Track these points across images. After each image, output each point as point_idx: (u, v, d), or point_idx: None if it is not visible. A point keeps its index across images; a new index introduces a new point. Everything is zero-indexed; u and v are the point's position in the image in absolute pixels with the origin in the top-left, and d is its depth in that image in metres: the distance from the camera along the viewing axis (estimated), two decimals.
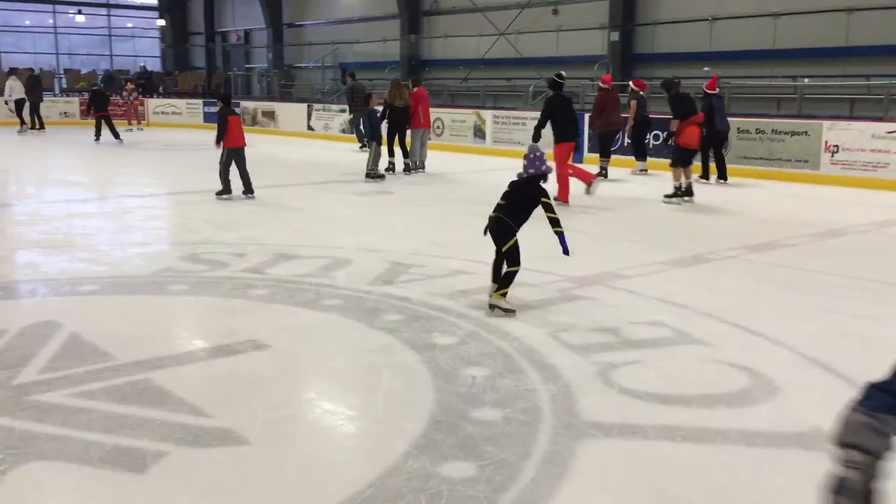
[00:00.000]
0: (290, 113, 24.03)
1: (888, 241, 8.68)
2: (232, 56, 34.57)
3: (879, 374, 4.48)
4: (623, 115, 14.17)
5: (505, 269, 5.51)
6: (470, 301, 5.76)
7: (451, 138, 18.94)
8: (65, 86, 30.46)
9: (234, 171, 10.76)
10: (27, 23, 34.55)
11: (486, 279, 6.37)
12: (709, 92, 12.66)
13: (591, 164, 14.42)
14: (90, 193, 11.52)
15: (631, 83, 14.58)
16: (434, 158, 15.32)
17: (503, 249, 5.53)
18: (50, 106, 26.81)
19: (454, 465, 3.29)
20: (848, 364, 4.54)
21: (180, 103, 28.00)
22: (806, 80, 16.65)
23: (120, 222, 9.28)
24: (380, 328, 5.14)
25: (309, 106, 23.58)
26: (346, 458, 3.49)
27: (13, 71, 23.69)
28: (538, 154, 5.73)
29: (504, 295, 5.45)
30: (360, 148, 17.85)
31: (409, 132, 14.24)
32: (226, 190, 10.79)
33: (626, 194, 11.90)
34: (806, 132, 13.45)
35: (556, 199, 9.01)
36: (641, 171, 14.44)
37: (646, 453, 3.47)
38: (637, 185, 13.20)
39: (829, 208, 10.72)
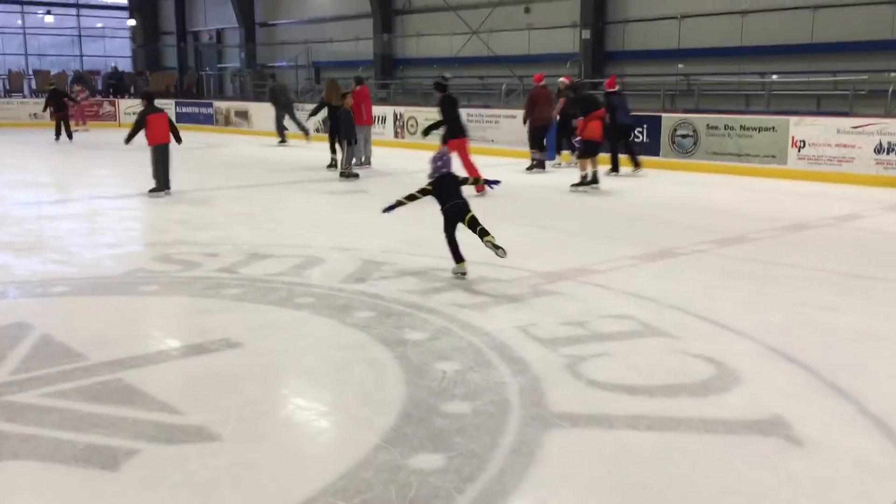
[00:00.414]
0: (264, 113, 23.92)
1: (852, 235, 8.87)
2: (204, 56, 34.36)
3: (839, 361, 4.62)
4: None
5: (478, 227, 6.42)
6: (441, 297, 5.83)
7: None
8: (34, 87, 30.11)
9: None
10: None
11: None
12: (609, 90, 13.71)
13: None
14: (60, 195, 11.45)
15: (562, 79, 15.03)
16: (407, 157, 15.37)
17: (468, 218, 6.49)
18: (19, 107, 26.55)
19: (424, 457, 3.36)
20: (809, 354, 4.67)
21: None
22: (774, 76, 16.91)
23: (91, 224, 9.24)
24: (352, 325, 5.19)
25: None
26: (319, 453, 3.54)
27: None
28: (447, 157, 6.86)
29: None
30: (279, 143, 19.66)
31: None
32: (159, 187, 11.19)
33: (561, 187, 12.02)
34: (773, 128, 13.66)
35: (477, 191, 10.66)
36: (556, 164, 15.22)
37: (611, 442, 3.56)
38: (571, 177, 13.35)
39: (796, 203, 10.91)
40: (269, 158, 16.88)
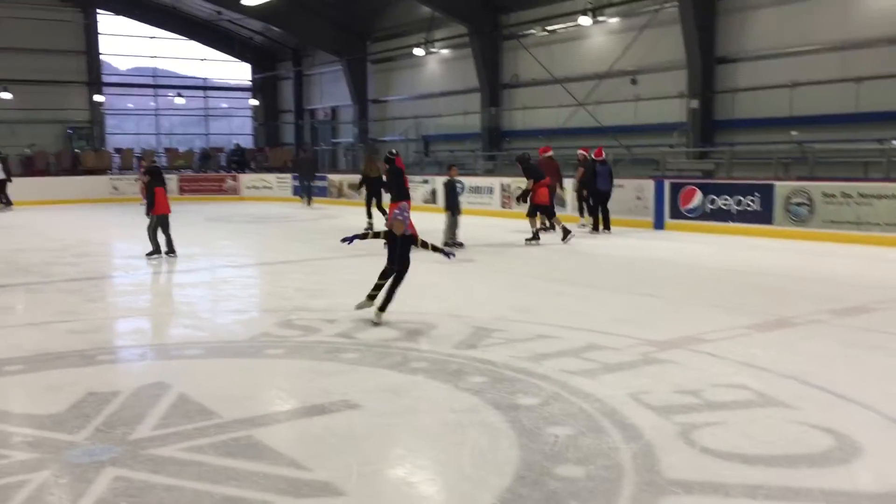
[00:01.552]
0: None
1: None
2: (319, 132, 36.03)
3: None
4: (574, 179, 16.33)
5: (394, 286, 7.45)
6: (552, 364, 5.92)
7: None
8: (164, 164, 32.26)
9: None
10: (130, 105, 36.89)
11: (567, 343, 6.56)
12: (596, 159, 15.70)
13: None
14: (189, 264, 12.19)
15: (580, 151, 16.66)
16: (513, 226, 15.61)
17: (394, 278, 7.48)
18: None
19: None
20: None
21: (270, 178, 29.28)
22: (894, 142, 16.38)
23: (218, 291, 9.82)
24: (465, 389, 5.35)
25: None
26: None
27: None
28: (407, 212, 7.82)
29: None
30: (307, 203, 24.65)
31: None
32: (156, 251, 12.23)
33: (672, 256, 11.89)
34: (894, 195, 13.21)
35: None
36: (582, 225, 16.37)
37: None
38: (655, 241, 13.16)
39: None
40: (379, 226, 17.43)
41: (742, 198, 15.25)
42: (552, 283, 9.92)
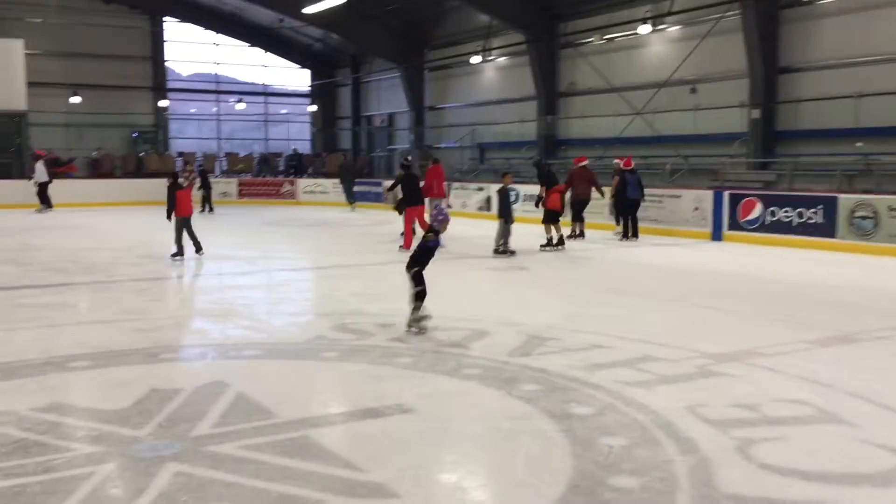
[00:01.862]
0: None
1: None
2: (376, 138, 36.36)
3: None
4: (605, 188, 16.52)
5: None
6: (606, 374, 5.89)
7: (587, 216, 19.10)
8: (225, 168, 32.91)
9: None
10: (192, 110, 37.74)
11: (621, 353, 6.54)
12: (624, 168, 16.15)
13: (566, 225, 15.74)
14: (247, 267, 12.43)
15: (617, 161, 17.03)
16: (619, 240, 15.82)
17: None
18: (211, 186, 29.03)
19: None
20: None
21: (327, 183, 29.62)
22: None
23: (275, 294, 9.99)
24: (518, 397, 5.35)
25: (448, 184, 24.41)
26: None
27: (36, 157, 25.57)
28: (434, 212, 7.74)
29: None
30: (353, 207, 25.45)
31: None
32: (180, 252, 12.42)
33: (731, 268, 11.67)
34: None
35: (401, 247, 13.83)
36: (617, 233, 16.62)
37: None
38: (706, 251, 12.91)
39: None
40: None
41: (804, 210, 14.93)
42: (606, 292, 9.85)
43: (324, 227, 19.79)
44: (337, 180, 27.60)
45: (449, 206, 15.53)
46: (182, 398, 5.31)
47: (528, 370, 6.01)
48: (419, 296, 7.33)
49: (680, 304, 9.02)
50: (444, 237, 7.76)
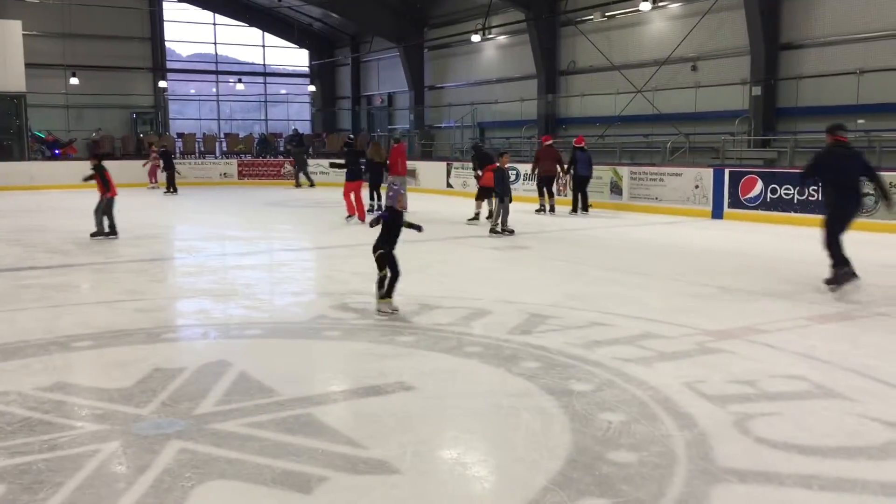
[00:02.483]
0: (431, 171, 24.94)
1: None
2: (376, 118, 36.28)
3: None
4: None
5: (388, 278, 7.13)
6: (605, 351, 5.93)
7: (589, 195, 19.12)
8: (224, 149, 32.86)
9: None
10: (192, 91, 37.63)
11: (621, 330, 6.57)
12: (576, 146, 17.29)
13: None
14: (248, 247, 12.45)
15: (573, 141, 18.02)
16: (620, 218, 15.72)
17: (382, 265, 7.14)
18: (210, 168, 29.02)
19: (591, 502, 3.49)
20: None
21: (327, 163, 29.58)
22: None
23: (276, 273, 10.03)
24: (518, 374, 5.40)
25: (448, 164, 24.41)
26: (490, 490, 3.75)
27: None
28: (391, 191, 7.45)
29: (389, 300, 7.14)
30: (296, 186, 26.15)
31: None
32: (100, 232, 12.75)
33: (731, 245, 11.69)
34: None
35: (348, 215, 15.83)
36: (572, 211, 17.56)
37: (780, 499, 3.54)
38: (730, 232, 12.93)
39: None
40: (435, 214, 17.52)
41: (805, 188, 14.92)
42: (606, 270, 9.88)
43: (324, 208, 19.77)
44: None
45: (404, 185, 16.42)
46: (185, 377, 5.35)
47: (529, 348, 6.05)
48: (381, 282, 7.21)
49: (680, 281, 9.05)
50: (418, 220, 7.74)
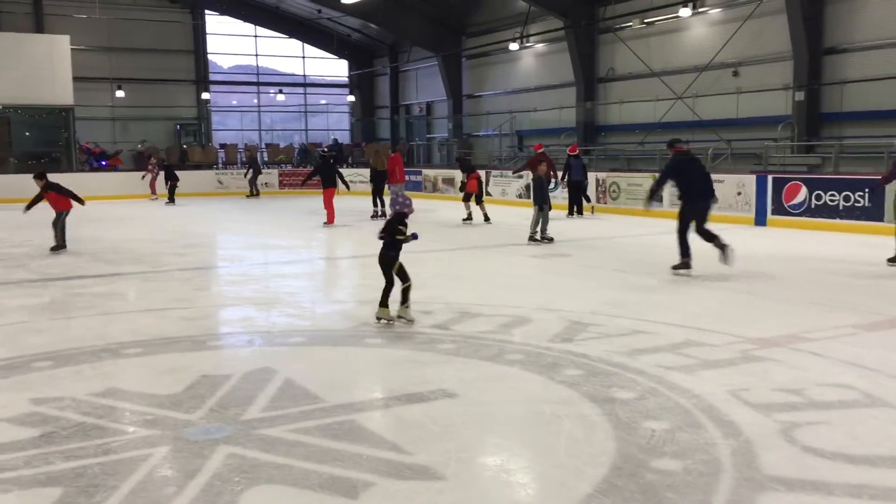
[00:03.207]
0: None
1: None
2: (414, 127, 36.48)
3: None
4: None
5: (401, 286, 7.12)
6: (648, 359, 5.91)
7: (628, 202, 19.03)
8: (266, 159, 33.27)
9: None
10: (234, 102, 38.20)
11: (663, 338, 6.54)
12: (571, 154, 18.77)
13: None
14: (290, 256, 12.61)
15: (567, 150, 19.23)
16: (611, 221, 15.50)
17: (393, 273, 7.14)
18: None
19: None
20: None
21: (366, 172, 29.78)
22: None
23: (318, 282, 10.15)
24: (560, 382, 5.41)
25: (487, 172, 24.42)
26: (534, 496, 3.77)
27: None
28: (396, 198, 7.54)
29: (407, 308, 7.16)
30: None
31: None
32: (60, 245, 12.79)
33: (775, 252, 11.53)
34: None
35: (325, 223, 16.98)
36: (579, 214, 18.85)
37: None
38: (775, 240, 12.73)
39: None
40: (476, 223, 17.56)
41: (850, 193, 14.68)
42: (646, 277, 9.82)
43: (364, 217, 19.93)
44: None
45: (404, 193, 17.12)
46: (232, 383, 5.46)
47: (570, 355, 6.05)
48: (406, 292, 7.17)
49: (722, 289, 8.97)
50: (419, 231, 7.63)
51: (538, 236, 13.41)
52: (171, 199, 24.24)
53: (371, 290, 9.60)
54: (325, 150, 19.05)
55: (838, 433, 4.39)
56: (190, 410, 4.90)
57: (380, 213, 18.40)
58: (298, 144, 34.93)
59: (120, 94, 31.81)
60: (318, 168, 18.16)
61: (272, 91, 36.90)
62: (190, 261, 11.91)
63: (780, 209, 15.90)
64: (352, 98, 38.45)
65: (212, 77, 35.77)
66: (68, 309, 8.21)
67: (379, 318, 7.19)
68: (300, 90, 38.18)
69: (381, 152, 19.96)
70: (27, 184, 23.38)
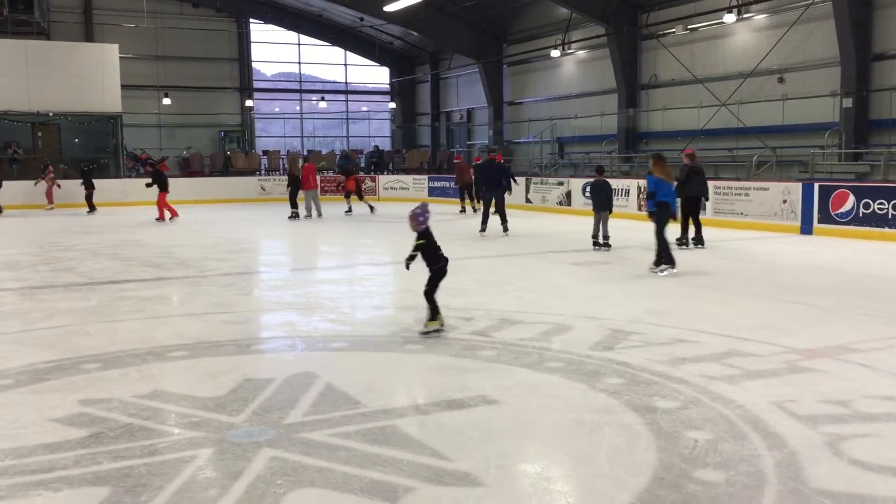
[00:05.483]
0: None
1: None
2: (455, 134, 36.56)
3: None
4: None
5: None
6: (690, 368, 5.85)
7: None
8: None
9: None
10: (277, 109, 38.67)
11: (706, 348, 6.48)
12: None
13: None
14: (332, 262, 12.72)
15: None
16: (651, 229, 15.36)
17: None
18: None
19: None
20: None
21: (407, 179, 29.99)
22: None
23: (359, 287, 10.22)
24: (601, 390, 5.38)
25: (527, 179, 24.38)
26: None
27: None
28: (415, 212, 7.37)
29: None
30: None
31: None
32: None
33: (821, 261, 11.30)
34: None
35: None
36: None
37: None
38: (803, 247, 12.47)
39: None
40: (515, 230, 17.53)
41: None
42: (689, 286, 9.71)
43: (404, 223, 20.06)
44: (424, 177, 28.50)
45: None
46: (274, 387, 5.52)
47: (611, 364, 6.02)
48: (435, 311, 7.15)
49: (767, 298, 8.83)
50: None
51: (600, 240, 13.38)
52: (92, 208, 23.30)
53: (413, 295, 9.63)
54: (155, 160, 21.75)
55: (886, 446, 4.30)
56: (233, 413, 4.97)
57: (295, 214, 20.84)
58: (340, 151, 35.21)
59: (166, 101, 32.40)
60: (152, 177, 20.77)
61: (314, 98, 37.28)
62: (233, 266, 12.08)
63: (826, 217, 15.62)
64: (393, 105, 38.68)
65: (255, 85, 36.26)
66: (115, 312, 8.38)
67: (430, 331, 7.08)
68: (342, 97, 38.51)
69: (295, 160, 23.28)
70: (74, 189, 24.06)
